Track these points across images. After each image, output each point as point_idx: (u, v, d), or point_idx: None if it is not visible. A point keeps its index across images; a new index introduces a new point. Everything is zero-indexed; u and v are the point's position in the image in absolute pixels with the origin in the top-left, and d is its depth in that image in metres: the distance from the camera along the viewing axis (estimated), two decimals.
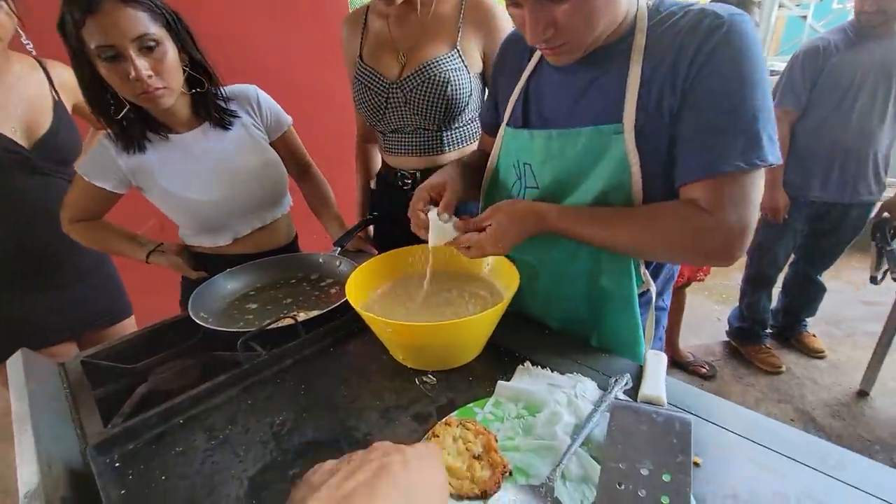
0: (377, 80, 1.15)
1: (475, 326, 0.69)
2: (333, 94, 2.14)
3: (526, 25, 0.65)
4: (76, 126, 1.28)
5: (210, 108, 1.05)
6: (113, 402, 0.78)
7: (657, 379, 0.66)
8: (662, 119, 0.67)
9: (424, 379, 0.73)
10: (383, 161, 1.32)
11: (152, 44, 0.87)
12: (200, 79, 1.01)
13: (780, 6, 4.38)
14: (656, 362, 0.70)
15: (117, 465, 0.61)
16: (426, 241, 0.78)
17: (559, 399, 0.64)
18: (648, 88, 0.67)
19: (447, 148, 1.20)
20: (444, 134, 1.18)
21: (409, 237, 1.27)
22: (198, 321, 0.83)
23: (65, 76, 1.24)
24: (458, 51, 1.12)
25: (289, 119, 1.21)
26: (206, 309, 0.93)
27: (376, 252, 1.25)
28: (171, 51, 0.92)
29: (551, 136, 0.76)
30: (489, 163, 0.92)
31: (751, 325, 2.28)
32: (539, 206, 0.73)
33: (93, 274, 1.35)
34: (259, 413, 0.69)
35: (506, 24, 1.15)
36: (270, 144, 1.17)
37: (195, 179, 1.06)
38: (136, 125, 1.00)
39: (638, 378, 0.68)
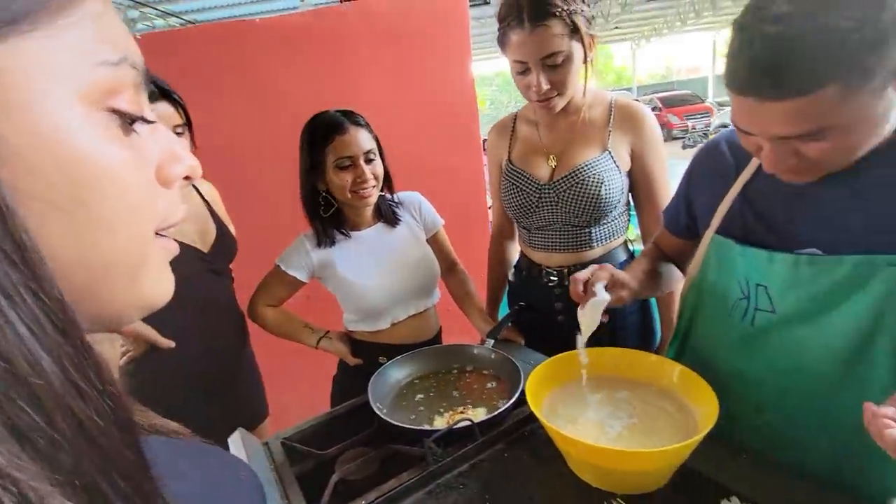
0: (528, 181, 1.22)
1: (674, 455, 0.66)
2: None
3: (764, 156, 0.62)
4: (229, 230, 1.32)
5: (387, 210, 1.25)
6: (305, 482, 0.86)
7: None
8: None
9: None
10: (524, 255, 1.36)
11: (372, 157, 1.17)
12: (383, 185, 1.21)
13: None
14: None
15: None
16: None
17: None
18: None
19: (595, 244, 1.22)
20: (593, 230, 1.20)
21: (551, 328, 1.30)
22: (382, 416, 0.90)
23: (209, 190, 1.31)
24: (609, 152, 1.16)
25: (441, 221, 1.36)
26: (379, 398, 1.01)
27: (523, 342, 1.26)
28: (379, 164, 1.19)
29: (798, 262, 0.68)
30: (690, 272, 0.89)
31: None
32: None
33: (250, 372, 1.37)
34: None
35: (653, 124, 1.18)
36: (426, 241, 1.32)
37: (368, 268, 1.22)
38: (330, 224, 1.21)
39: None
